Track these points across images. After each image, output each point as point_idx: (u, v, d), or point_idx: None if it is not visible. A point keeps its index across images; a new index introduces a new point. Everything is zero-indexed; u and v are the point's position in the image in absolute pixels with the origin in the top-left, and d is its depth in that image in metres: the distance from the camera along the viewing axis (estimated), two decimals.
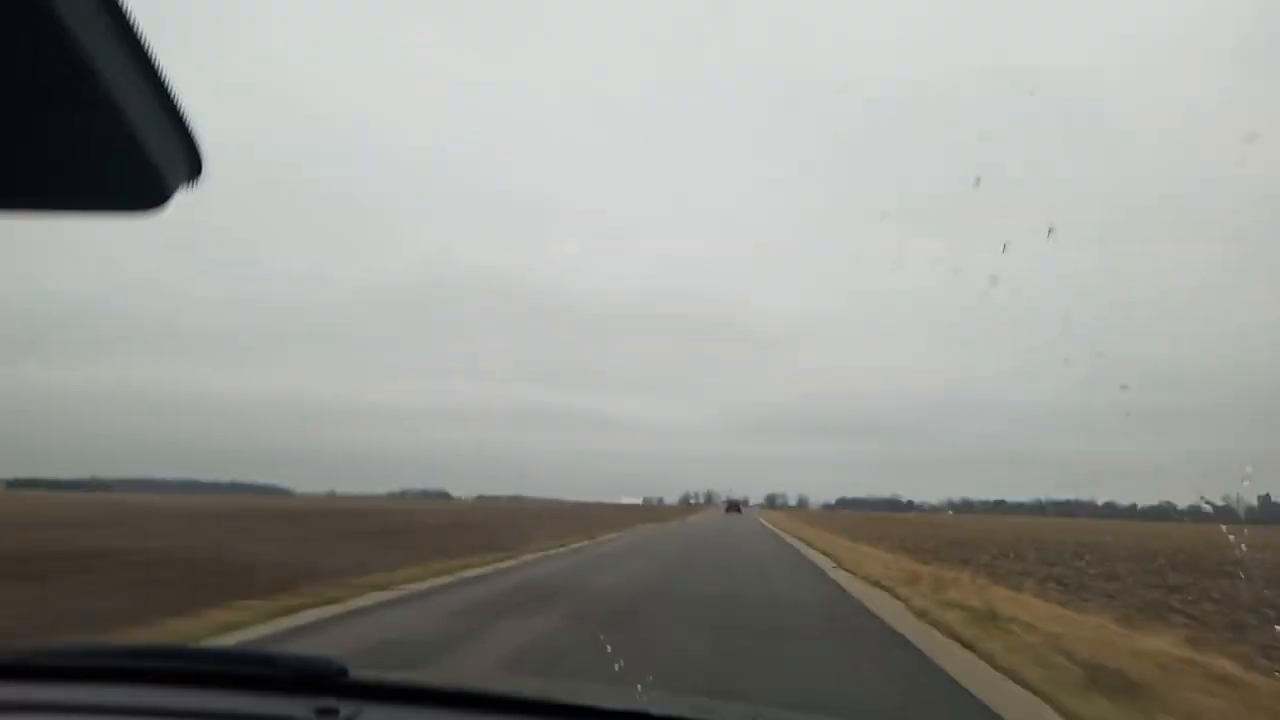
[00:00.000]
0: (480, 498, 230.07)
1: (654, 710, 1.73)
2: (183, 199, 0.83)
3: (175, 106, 0.78)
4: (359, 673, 1.77)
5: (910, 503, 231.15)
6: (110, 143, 0.75)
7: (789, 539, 36.99)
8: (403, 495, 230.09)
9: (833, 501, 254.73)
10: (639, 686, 3.10)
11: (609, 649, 7.59)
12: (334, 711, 1.61)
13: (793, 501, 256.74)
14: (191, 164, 0.82)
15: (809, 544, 31.81)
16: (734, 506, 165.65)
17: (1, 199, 0.81)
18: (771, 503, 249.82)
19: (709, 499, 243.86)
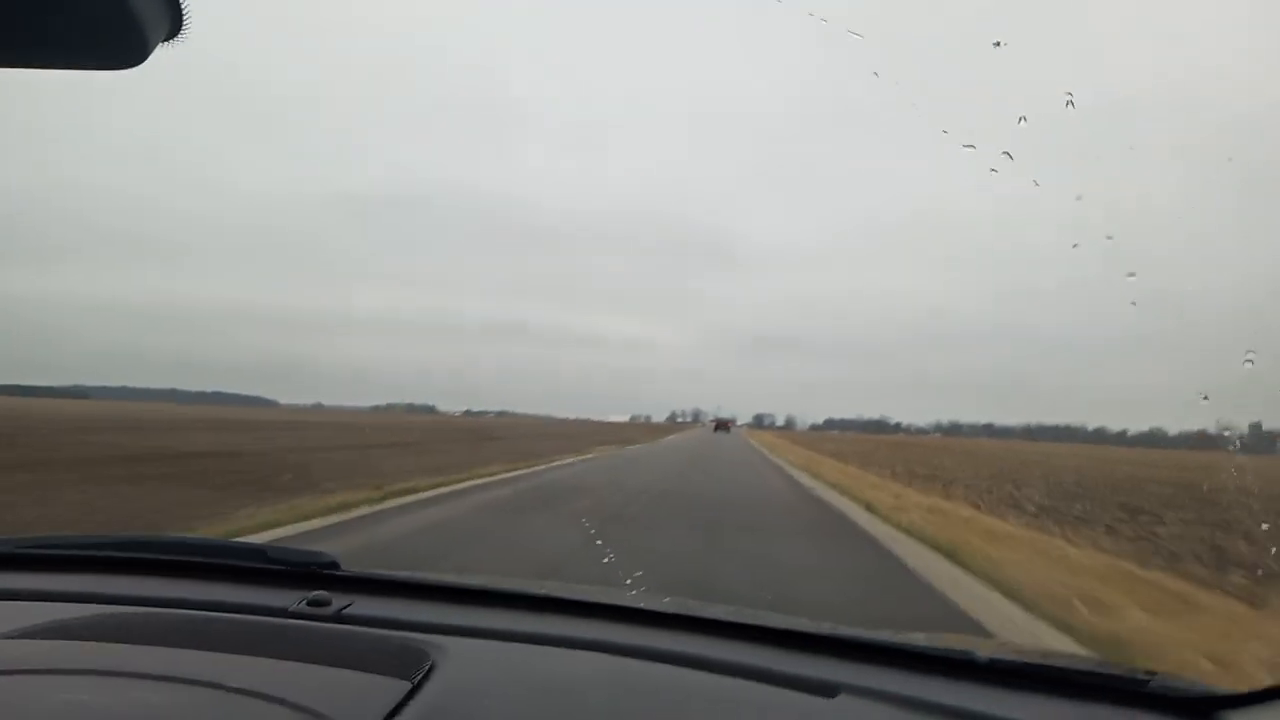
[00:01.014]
0: (467, 413, 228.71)
1: (643, 606, 1.76)
2: (163, 55, 0.82)
3: None
4: (349, 567, 1.81)
5: (898, 425, 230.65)
6: None
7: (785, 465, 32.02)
8: (389, 409, 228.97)
9: (820, 422, 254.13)
10: (628, 582, 3.79)
11: None
12: (326, 603, 1.64)
13: (780, 422, 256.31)
14: (172, 18, 0.80)
15: (800, 468, 28.88)
16: (722, 425, 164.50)
17: None
18: (760, 423, 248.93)
19: (696, 417, 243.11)
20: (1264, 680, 1.38)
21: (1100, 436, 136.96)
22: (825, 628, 1.64)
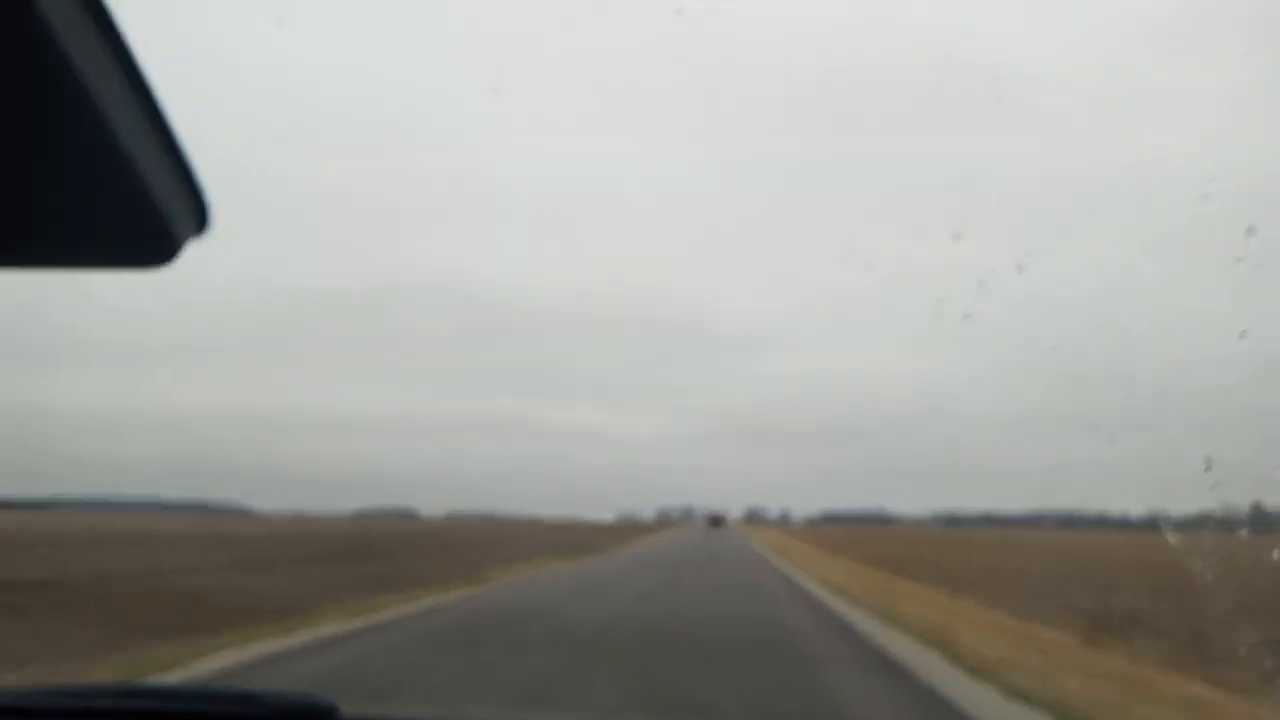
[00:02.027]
0: (452, 515, 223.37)
1: None
2: (191, 252, 0.85)
3: (182, 158, 0.79)
4: (349, 711, 1.71)
5: (893, 517, 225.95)
6: (120, 198, 0.76)
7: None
8: (369, 514, 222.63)
9: (816, 515, 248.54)
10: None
11: None
12: None
13: (774, 516, 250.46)
14: (199, 216, 0.83)
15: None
16: (716, 521, 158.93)
17: (11, 256, 0.83)
18: (752, 518, 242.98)
19: (687, 514, 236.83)
20: None
21: (1104, 521, 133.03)
22: None
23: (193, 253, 0.85)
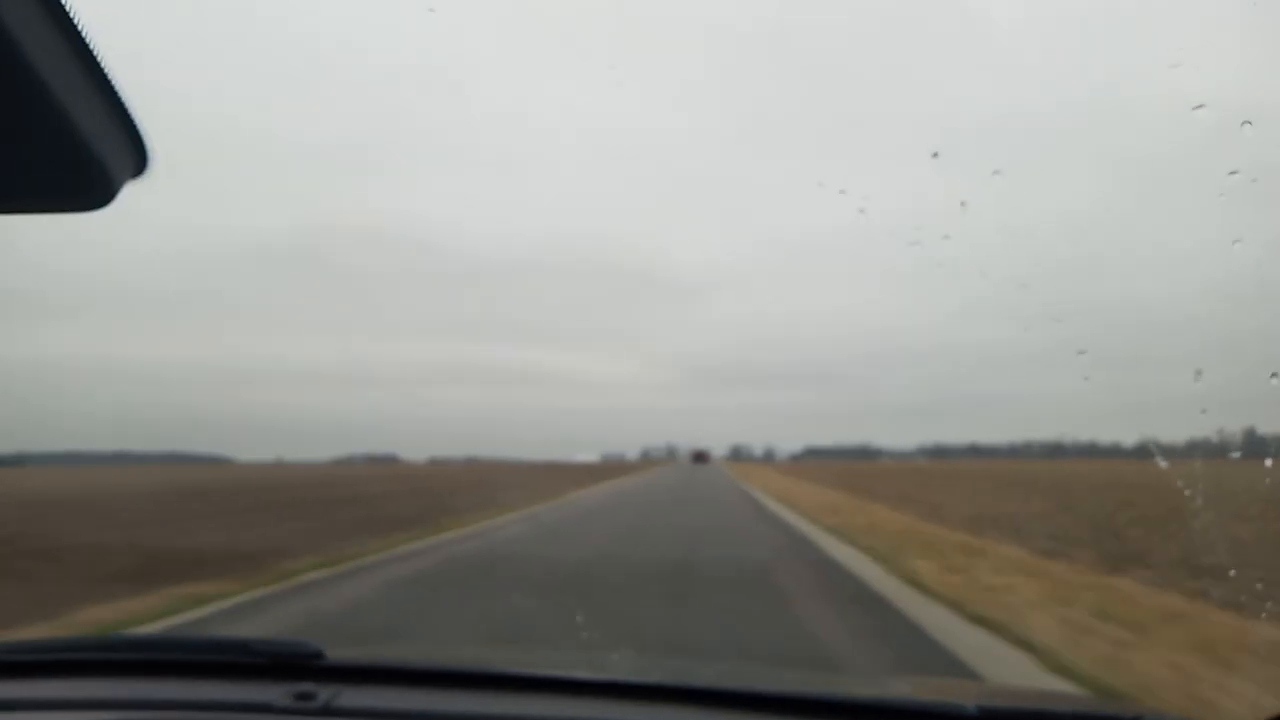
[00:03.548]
0: (434, 461, 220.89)
1: (631, 679, 1.78)
2: (129, 193, 0.84)
3: (120, 101, 0.77)
4: (335, 655, 1.75)
5: (879, 451, 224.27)
6: (55, 142, 0.75)
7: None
8: (349, 461, 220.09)
9: (799, 451, 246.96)
10: (610, 655, 3.59)
11: None
12: (311, 696, 1.59)
13: (758, 453, 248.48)
14: (137, 158, 0.81)
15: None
16: (700, 458, 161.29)
17: None
18: (737, 455, 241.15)
19: (671, 453, 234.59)
20: (1251, 715, 0.98)
21: (1094, 450, 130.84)
22: (809, 689, 1.70)
23: (133, 194, 0.84)
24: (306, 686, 1.60)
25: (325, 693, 1.59)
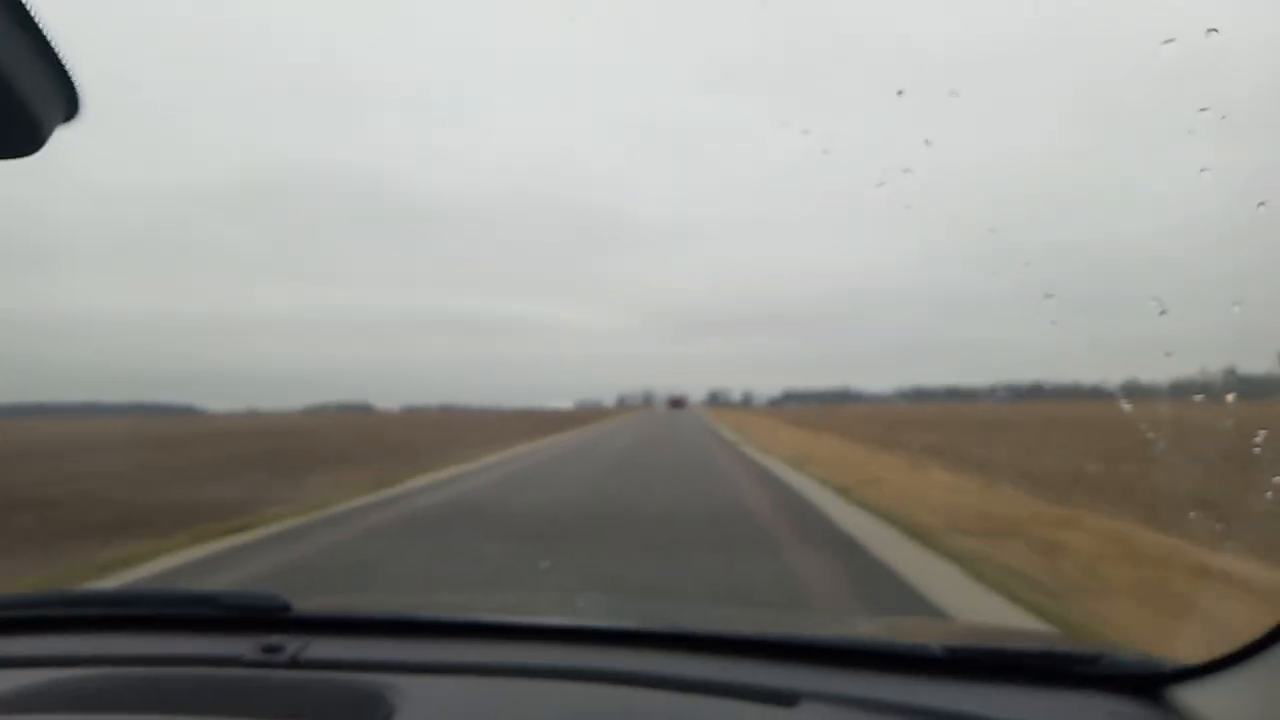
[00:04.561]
0: (408, 409, 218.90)
1: (601, 625, 1.79)
2: (59, 138, 0.82)
3: (48, 44, 0.75)
4: (302, 607, 1.74)
5: (858, 394, 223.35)
6: None
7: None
8: (322, 410, 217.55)
9: (778, 395, 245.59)
10: (578, 599, 3.40)
11: None
12: (279, 648, 1.59)
13: (737, 398, 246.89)
14: (68, 102, 0.80)
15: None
16: (677, 403, 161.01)
17: None
18: (715, 400, 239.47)
19: (647, 400, 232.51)
20: (1211, 652, 1.34)
21: (1075, 392, 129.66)
22: (780, 633, 1.68)
23: (62, 139, 0.83)
24: (274, 639, 1.60)
25: (293, 645, 1.59)
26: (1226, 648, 1.33)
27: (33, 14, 0.72)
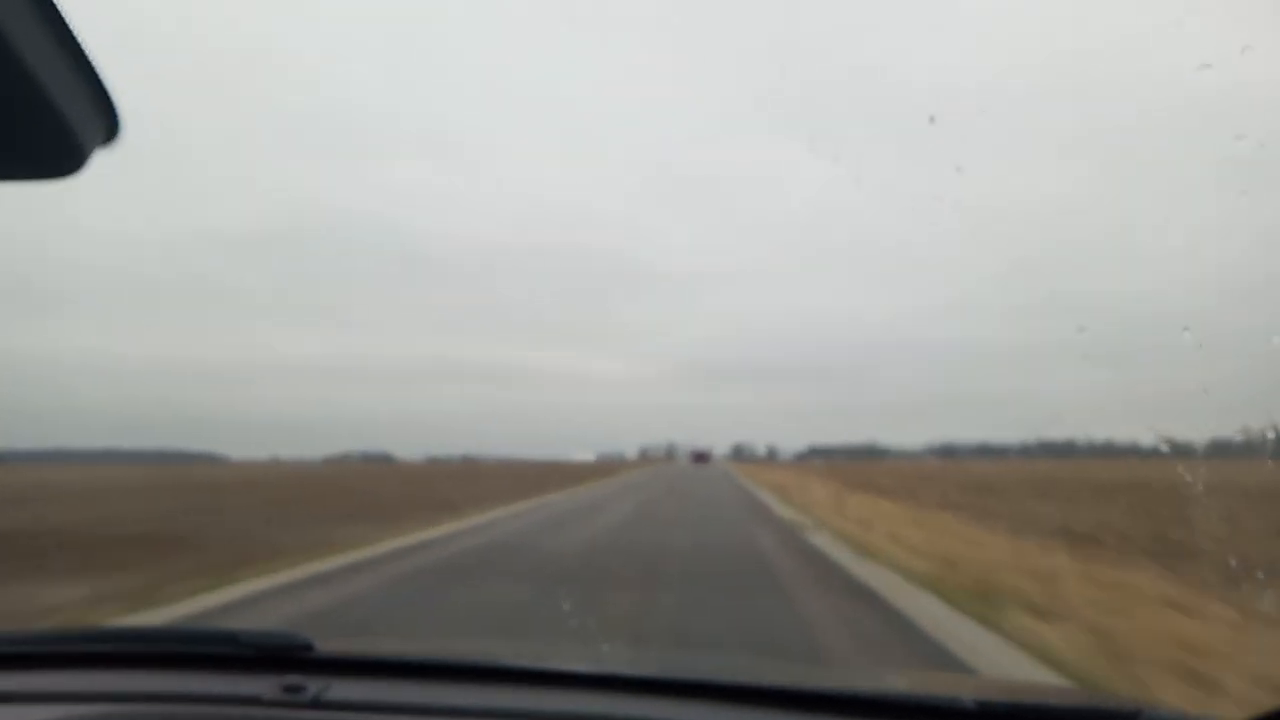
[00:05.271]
0: (430, 460, 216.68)
1: (625, 672, 1.76)
2: (99, 160, 0.82)
3: (90, 67, 0.76)
4: (324, 647, 1.74)
5: (886, 450, 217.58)
6: (24, 108, 0.73)
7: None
8: (344, 459, 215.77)
9: (804, 450, 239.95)
10: (605, 647, 3.57)
11: None
12: (301, 688, 1.58)
13: (761, 452, 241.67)
14: (108, 125, 0.80)
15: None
16: (701, 457, 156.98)
17: None
18: (739, 454, 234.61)
19: (670, 451, 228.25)
20: (1259, 706, 1.26)
21: (1109, 450, 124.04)
22: (806, 683, 1.65)
23: (102, 162, 0.82)
24: (296, 679, 1.59)
25: (315, 685, 1.58)
26: (1267, 706, 1.28)
27: (75, 33, 0.72)
